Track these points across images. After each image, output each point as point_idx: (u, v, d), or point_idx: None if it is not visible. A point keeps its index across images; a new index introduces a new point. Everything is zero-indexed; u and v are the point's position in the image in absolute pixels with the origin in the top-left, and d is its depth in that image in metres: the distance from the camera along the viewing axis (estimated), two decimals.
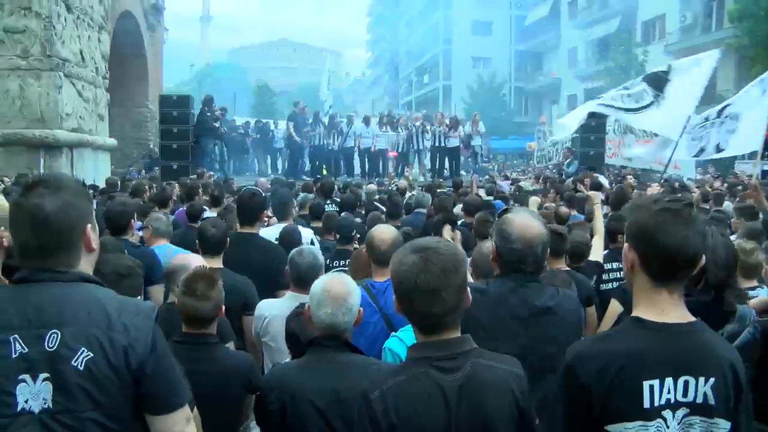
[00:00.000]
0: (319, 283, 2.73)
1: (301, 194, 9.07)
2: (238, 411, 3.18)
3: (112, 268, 2.60)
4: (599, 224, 5.15)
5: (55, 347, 1.78)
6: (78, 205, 1.93)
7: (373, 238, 3.71)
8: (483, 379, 1.99)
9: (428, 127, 20.25)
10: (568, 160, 19.27)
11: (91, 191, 10.09)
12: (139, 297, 2.72)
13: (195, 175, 14.11)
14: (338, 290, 2.66)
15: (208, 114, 17.72)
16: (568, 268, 4.43)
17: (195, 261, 3.77)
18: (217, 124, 18.00)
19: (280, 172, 19.78)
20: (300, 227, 5.92)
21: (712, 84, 32.59)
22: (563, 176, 15.14)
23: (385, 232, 3.73)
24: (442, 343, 2.01)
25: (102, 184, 12.08)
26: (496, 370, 2.03)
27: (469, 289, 2.07)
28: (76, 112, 15.06)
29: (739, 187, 10.58)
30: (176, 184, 10.73)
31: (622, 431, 1.85)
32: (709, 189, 9.02)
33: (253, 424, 3.55)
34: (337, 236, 5.89)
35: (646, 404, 1.83)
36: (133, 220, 4.68)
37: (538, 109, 51.10)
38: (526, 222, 2.66)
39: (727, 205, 8.85)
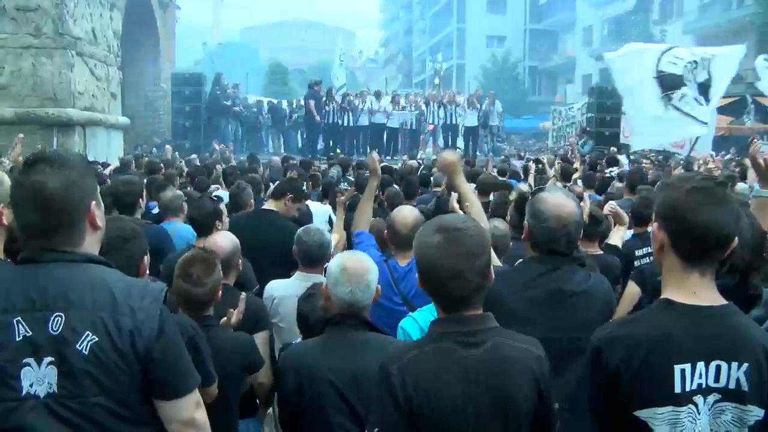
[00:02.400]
0: (337, 261, 2.69)
1: (333, 168, 9.21)
2: (237, 392, 3.13)
3: (115, 233, 2.51)
4: (624, 216, 4.99)
5: (60, 330, 1.74)
6: (81, 182, 1.86)
7: (395, 221, 3.63)
8: (504, 355, 1.96)
9: (442, 105, 20.17)
10: (582, 140, 19.10)
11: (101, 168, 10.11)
12: (146, 258, 2.63)
13: (207, 153, 14.14)
14: (356, 267, 2.62)
15: (218, 92, 17.65)
16: (600, 252, 4.35)
17: (220, 239, 3.70)
18: (228, 102, 17.93)
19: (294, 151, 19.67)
20: (318, 204, 5.92)
21: None
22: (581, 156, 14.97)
23: (407, 215, 3.65)
24: (464, 318, 1.98)
25: (113, 163, 12.08)
26: (517, 349, 1.99)
27: (493, 268, 2.02)
28: (88, 90, 15.03)
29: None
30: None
31: (651, 417, 1.80)
32: (734, 170, 8.84)
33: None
34: None
35: (677, 389, 1.78)
36: (141, 199, 4.62)
37: (553, 89, 50.69)
38: (559, 201, 2.64)
39: (744, 187, 8.67)
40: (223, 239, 3.64)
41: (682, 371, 1.78)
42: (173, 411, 1.89)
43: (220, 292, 3.08)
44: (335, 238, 4.68)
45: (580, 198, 5.96)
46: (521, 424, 1.95)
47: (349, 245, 4.31)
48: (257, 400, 3.45)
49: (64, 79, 13.92)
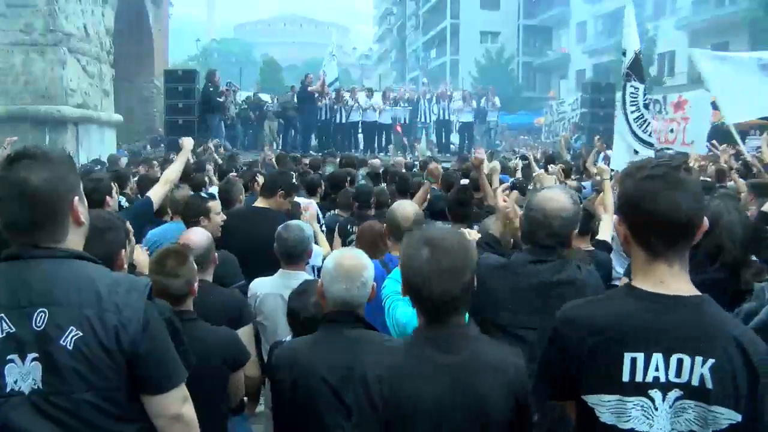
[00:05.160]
0: (332, 259, 2.67)
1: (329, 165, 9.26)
2: (223, 389, 3.12)
3: (92, 223, 2.53)
4: (609, 200, 5.00)
5: (43, 326, 1.73)
6: (65, 178, 1.86)
7: (396, 215, 3.65)
8: (481, 362, 1.98)
9: (434, 101, 20.19)
10: (575, 135, 19.13)
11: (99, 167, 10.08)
12: (123, 251, 2.64)
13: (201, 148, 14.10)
14: (352, 265, 2.61)
15: (211, 89, 17.55)
16: (591, 248, 4.34)
17: (194, 235, 3.69)
18: (221, 99, 17.85)
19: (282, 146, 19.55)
20: (303, 198, 5.95)
21: None
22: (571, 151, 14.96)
23: (407, 209, 3.67)
24: (445, 327, 2.00)
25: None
26: (495, 358, 2.02)
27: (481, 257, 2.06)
28: (81, 87, 14.96)
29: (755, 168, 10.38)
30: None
31: (598, 403, 1.73)
32: (724, 165, 8.77)
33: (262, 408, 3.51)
34: (356, 204, 6.10)
35: (625, 378, 1.69)
36: (108, 196, 4.59)
37: (547, 84, 50.67)
38: (550, 195, 2.71)
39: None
40: (196, 235, 3.64)
41: (633, 360, 1.69)
42: (160, 406, 1.89)
43: (196, 285, 3.07)
44: (324, 251, 4.71)
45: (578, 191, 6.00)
46: None
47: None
48: (244, 397, 3.44)
49: (56, 76, 13.86)
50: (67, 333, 1.74)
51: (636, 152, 8.54)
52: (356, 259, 2.67)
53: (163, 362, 1.89)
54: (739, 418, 1.64)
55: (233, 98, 19.31)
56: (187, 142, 4.99)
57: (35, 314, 1.74)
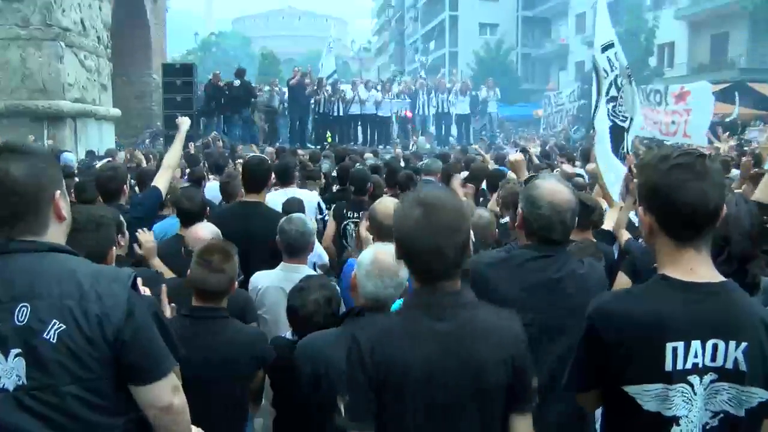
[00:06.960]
0: (370, 254, 2.63)
1: (325, 161, 9.28)
2: (247, 388, 3.11)
3: (87, 217, 2.50)
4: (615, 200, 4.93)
5: (26, 321, 1.71)
6: (46, 171, 1.84)
7: (377, 211, 3.62)
8: (475, 329, 1.94)
9: (433, 93, 20.18)
10: (575, 127, 19.11)
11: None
12: (113, 249, 2.66)
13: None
14: (390, 263, 2.54)
15: (252, 85, 17.81)
16: (594, 240, 4.30)
17: (202, 230, 3.66)
18: (260, 94, 18.12)
19: (281, 140, 19.52)
20: (305, 191, 5.92)
21: (723, 49, 32.24)
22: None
23: (388, 206, 3.63)
24: (439, 292, 1.95)
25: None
26: (491, 324, 1.97)
27: (480, 253, 2.00)
28: (78, 82, 14.88)
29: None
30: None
31: (639, 393, 1.76)
32: (727, 157, 8.77)
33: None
34: (353, 188, 6.01)
35: (668, 367, 1.73)
36: (125, 186, 4.54)
37: (546, 76, 50.60)
38: (555, 187, 2.61)
39: (736, 173, 8.64)
40: (204, 230, 3.62)
41: (674, 349, 1.73)
42: (149, 396, 1.86)
43: (236, 284, 3.07)
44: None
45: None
46: (492, 399, 1.93)
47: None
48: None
49: (54, 71, 13.78)
50: (50, 326, 1.71)
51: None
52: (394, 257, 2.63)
53: (151, 351, 1.86)
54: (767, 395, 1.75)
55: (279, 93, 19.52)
56: (184, 122, 4.91)
57: (17, 309, 1.71)
